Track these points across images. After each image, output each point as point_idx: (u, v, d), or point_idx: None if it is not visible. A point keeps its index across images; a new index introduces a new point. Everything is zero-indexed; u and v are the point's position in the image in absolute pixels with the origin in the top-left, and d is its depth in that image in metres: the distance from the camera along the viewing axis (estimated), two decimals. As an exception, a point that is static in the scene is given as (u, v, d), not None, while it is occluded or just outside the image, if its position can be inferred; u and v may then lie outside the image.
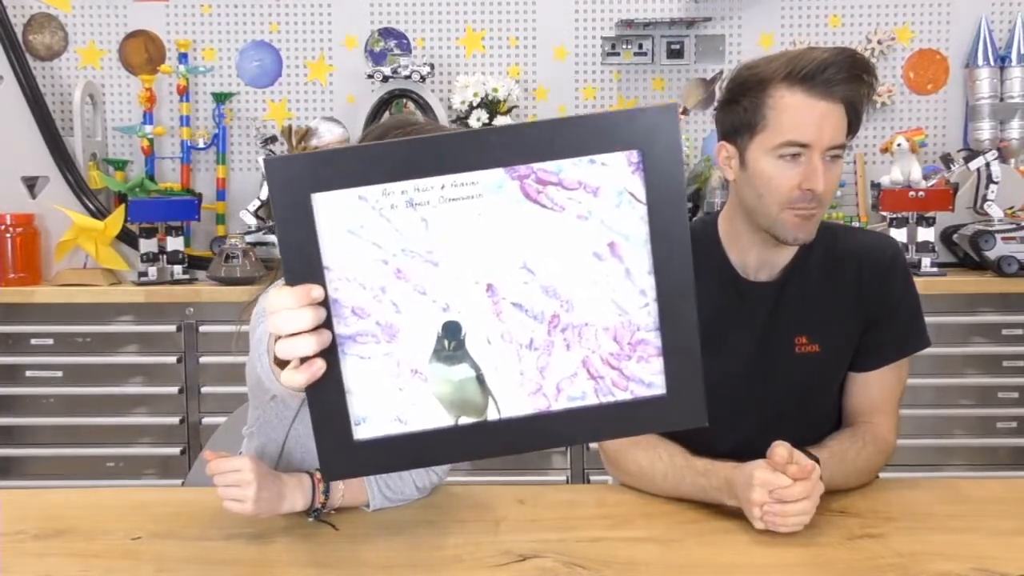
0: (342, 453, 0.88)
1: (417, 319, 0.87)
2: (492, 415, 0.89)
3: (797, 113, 1.46)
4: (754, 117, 1.49)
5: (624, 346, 0.89)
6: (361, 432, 0.88)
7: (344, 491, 1.46)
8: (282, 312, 0.84)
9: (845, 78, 1.46)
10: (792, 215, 1.50)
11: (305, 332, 0.84)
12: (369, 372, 0.88)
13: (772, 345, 1.60)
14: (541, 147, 0.85)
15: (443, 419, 0.89)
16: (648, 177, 0.86)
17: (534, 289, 0.88)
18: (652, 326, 0.89)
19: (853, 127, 1.51)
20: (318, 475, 1.44)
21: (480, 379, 0.89)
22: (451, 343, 0.88)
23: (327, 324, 0.85)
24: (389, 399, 0.88)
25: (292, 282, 0.85)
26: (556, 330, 0.89)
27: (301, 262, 0.85)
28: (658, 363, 0.90)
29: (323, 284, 0.85)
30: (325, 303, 0.85)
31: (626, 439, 1.57)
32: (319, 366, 0.85)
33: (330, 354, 0.86)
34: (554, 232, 0.87)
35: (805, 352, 1.60)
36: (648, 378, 0.90)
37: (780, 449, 1.35)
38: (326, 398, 0.87)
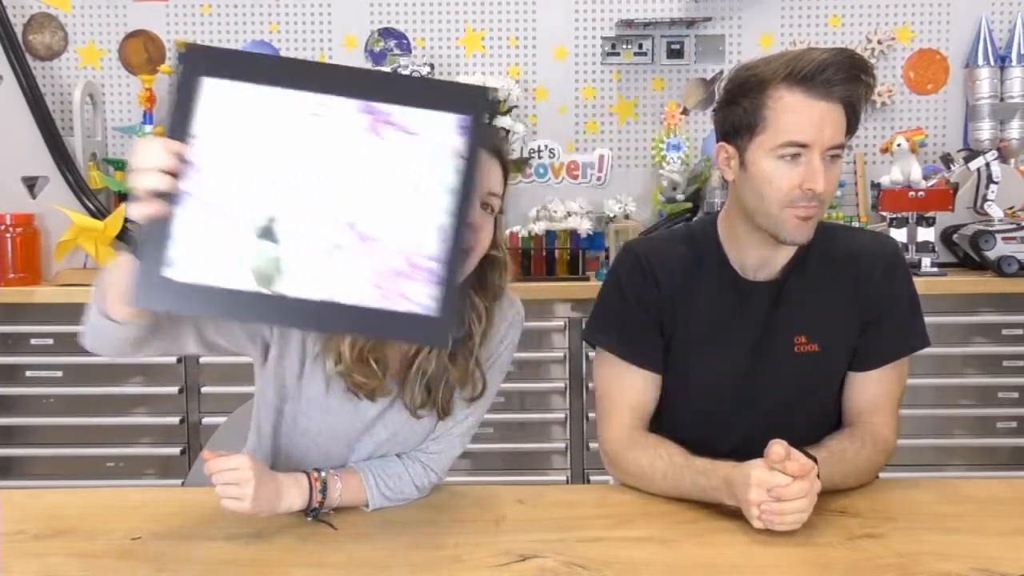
0: (148, 284, 1.04)
1: (250, 200, 1.03)
2: (278, 290, 1.03)
3: (797, 114, 1.46)
4: (754, 118, 1.50)
5: (411, 268, 1.04)
6: (170, 271, 1.03)
7: (342, 490, 1.46)
8: (149, 150, 1.02)
9: (844, 78, 1.46)
10: (792, 215, 1.50)
11: (160, 171, 1.01)
12: (194, 228, 1.03)
13: (772, 344, 1.60)
14: (393, 94, 1.04)
15: (240, 284, 1.03)
16: (469, 140, 1.06)
17: (351, 204, 1.04)
18: (438, 258, 1.05)
19: (852, 127, 1.52)
20: (315, 474, 1.44)
21: (278, 260, 1.03)
22: (269, 227, 1.04)
23: (178, 176, 1.02)
24: (202, 255, 1.03)
25: (168, 134, 1.03)
26: (359, 240, 1.04)
27: (177, 124, 1.04)
28: (436, 290, 1.05)
29: (187, 146, 1.03)
30: (183, 159, 1.02)
31: (626, 441, 1.58)
32: (162, 206, 1.01)
33: (171, 203, 1.02)
34: (383, 163, 1.04)
35: (805, 351, 1.60)
36: (424, 300, 1.05)
37: (777, 447, 1.35)
38: (152, 235, 1.03)
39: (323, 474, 1.45)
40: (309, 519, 1.43)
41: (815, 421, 1.63)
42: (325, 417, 1.51)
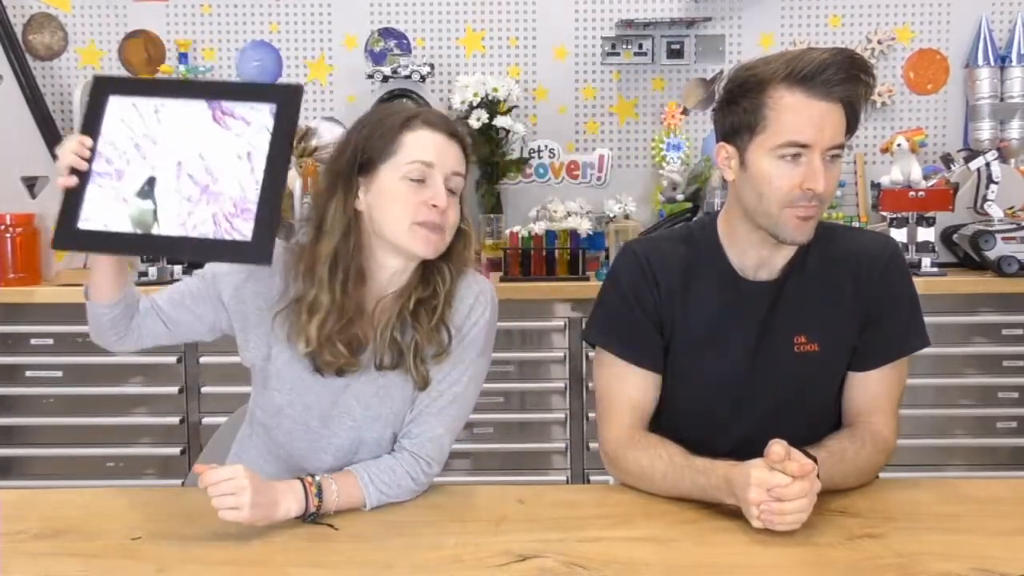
0: (67, 232, 1.47)
1: (136, 171, 1.48)
2: (154, 231, 1.47)
3: (797, 114, 1.47)
4: (754, 118, 1.50)
5: (238, 210, 1.45)
6: (82, 224, 1.47)
7: (338, 491, 1.46)
8: (66, 142, 1.49)
9: (844, 78, 1.47)
10: (792, 215, 1.50)
11: (70, 156, 1.46)
12: (99, 195, 1.48)
13: (771, 344, 1.60)
14: (228, 95, 1.50)
15: (128, 228, 1.47)
16: (277, 119, 1.47)
17: (200, 168, 1.47)
18: (254, 203, 1.45)
19: (851, 127, 1.52)
20: (308, 479, 1.45)
21: (154, 211, 1.47)
22: (147, 188, 1.47)
23: (90, 161, 1.47)
24: (104, 212, 1.47)
25: (79, 132, 1.50)
26: (204, 193, 1.47)
27: (89, 126, 1.50)
28: (251, 224, 1.44)
29: (95, 139, 1.49)
30: (93, 150, 1.48)
31: (626, 440, 1.58)
32: (73, 180, 1.47)
33: (84, 179, 1.47)
34: (222, 141, 1.47)
35: (804, 351, 1.60)
36: (244, 230, 1.45)
37: (777, 447, 1.35)
38: (70, 201, 1.47)
39: (317, 478, 1.46)
40: (308, 524, 1.43)
41: (815, 421, 1.63)
42: (295, 389, 1.58)
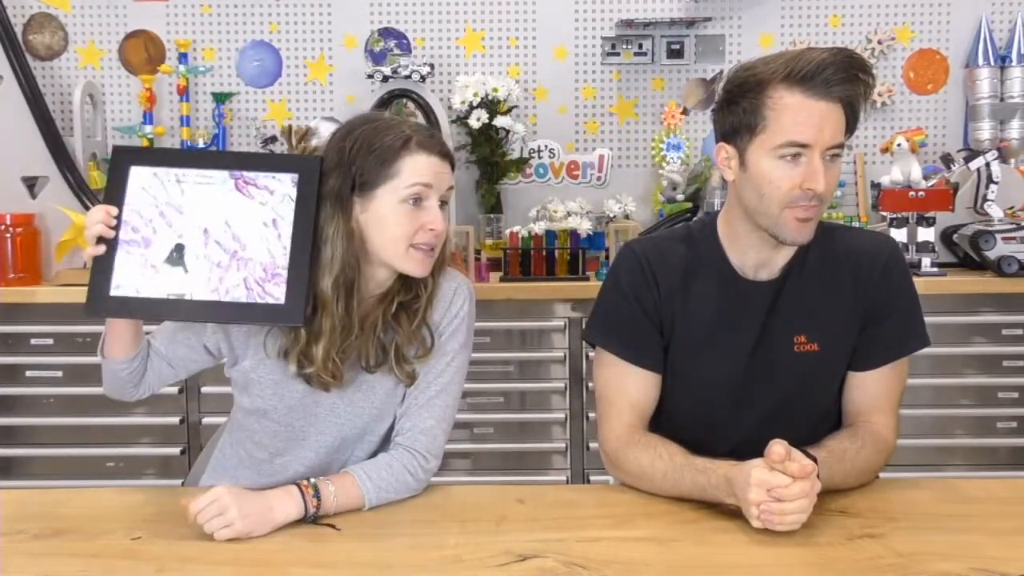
0: (99, 299, 1.51)
1: (163, 239, 1.52)
2: (187, 296, 1.51)
3: (797, 114, 1.47)
4: (753, 118, 1.50)
5: (268, 274, 1.52)
6: (114, 291, 1.51)
7: (336, 492, 1.47)
8: (93, 212, 1.52)
9: (843, 78, 1.47)
10: (792, 216, 1.51)
11: (98, 225, 1.49)
12: (128, 262, 1.51)
13: (771, 344, 1.60)
14: (251, 166, 1.55)
15: (161, 294, 1.51)
16: (300, 187, 1.54)
17: (228, 236, 1.53)
18: (284, 267, 1.51)
19: (851, 126, 1.52)
20: (305, 482, 1.46)
21: (186, 277, 1.51)
22: (176, 255, 1.52)
23: (117, 229, 1.51)
24: (135, 278, 1.51)
25: (105, 202, 1.53)
26: (234, 259, 1.52)
27: (113, 195, 1.53)
28: (283, 287, 1.51)
29: (120, 208, 1.52)
30: (119, 218, 1.51)
31: (626, 440, 1.58)
32: (101, 248, 1.50)
33: (112, 247, 1.51)
34: (247, 209, 1.53)
35: (804, 351, 1.60)
36: (277, 294, 1.51)
37: (777, 447, 1.35)
38: (101, 268, 1.51)
39: (313, 480, 1.47)
40: (309, 524, 1.44)
41: (815, 421, 1.63)
42: (277, 394, 1.59)
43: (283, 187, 1.53)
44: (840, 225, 1.76)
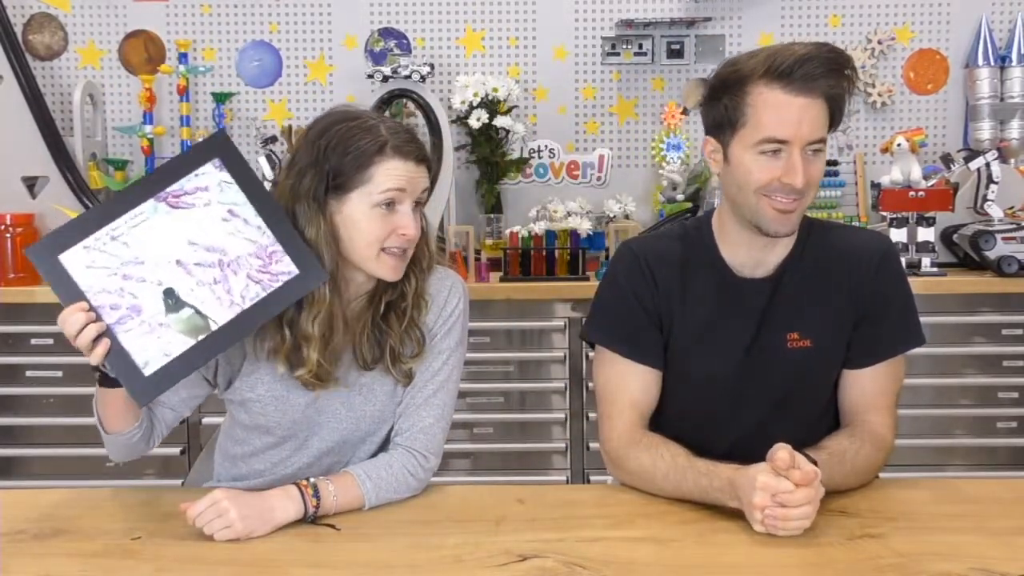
0: (142, 386, 1.42)
1: (148, 296, 1.43)
2: (213, 327, 1.43)
3: (776, 110, 1.48)
4: (735, 114, 1.51)
5: (264, 258, 1.45)
6: (147, 370, 1.42)
7: (335, 491, 1.47)
8: (65, 323, 1.39)
9: (824, 72, 1.47)
10: (769, 206, 1.52)
11: (83, 328, 1.38)
12: (135, 337, 1.42)
13: (765, 341, 1.61)
14: (166, 180, 1.45)
15: (189, 342, 1.43)
16: (229, 168, 1.46)
17: (201, 252, 1.44)
18: (273, 241, 1.45)
19: (835, 120, 1.53)
20: (304, 482, 1.46)
21: (198, 312, 1.43)
22: (172, 300, 1.43)
23: (99, 320, 1.40)
24: (154, 346, 1.42)
25: (66, 305, 1.41)
26: (225, 268, 1.44)
27: (67, 293, 1.41)
28: (286, 258, 1.46)
29: (86, 300, 1.41)
30: (92, 309, 1.40)
31: (628, 440, 1.59)
32: (105, 344, 1.40)
33: (109, 336, 1.41)
34: (196, 219, 1.45)
35: (797, 347, 1.60)
36: (286, 268, 1.45)
37: (782, 453, 1.35)
38: (118, 361, 1.42)
39: (312, 480, 1.47)
40: (309, 524, 1.44)
41: (811, 418, 1.63)
42: (280, 408, 1.58)
43: (213, 177, 1.46)
44: (836, 223, 1.77)
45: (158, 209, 1.44)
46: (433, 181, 1.74)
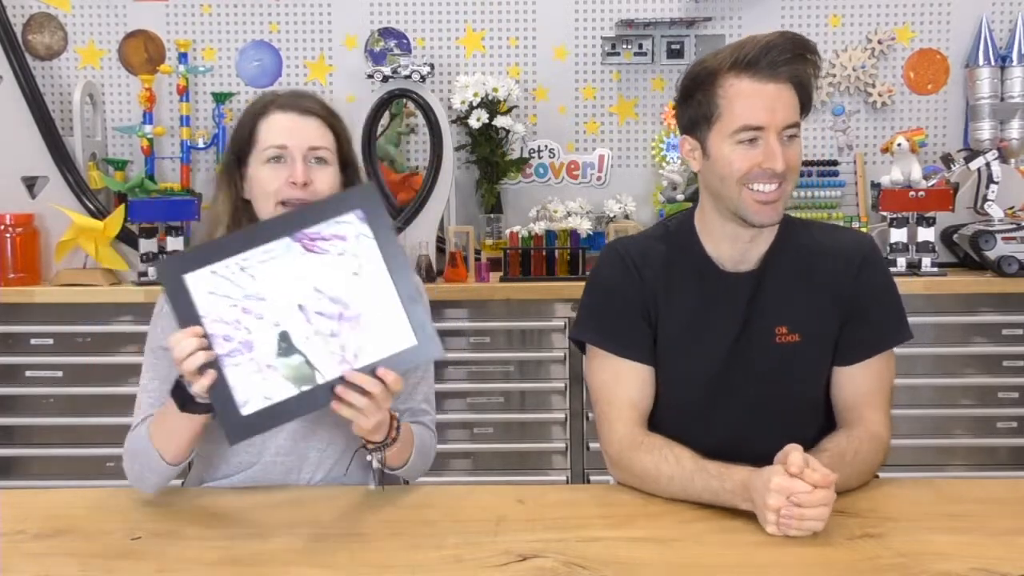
0: (237, 425, 1.39)
1: (262, 335, 1.38)
2: (319, 380, 1.38)
3: (748, 99, 1.52)
4: (709, 109, 1.56)
5: (385, 320, 1.40)
6: (245, 410, 1.38)
7: (403, 431, 1.56)
8: (176, 345, 1.37)
9: (788, 59, 1.52)
10: (751, 198, 1.55)
11: (194, 353, 1.35)
12: (241, 373, 1.38)
13: (752, 334, 1.62)
14: (307, 221, 1.40)
15: (292, 390, 1.38)
16: (370, 222, 1.41)
17: (325, 301, 1.39)
18: (398, 305, 1.40)
19: (805, 106, 1.58)
20: (395, 413, 1.53)
21: (308, 362, 1.38)
22: (285, 344, 1.38)
23: (210, 348, 1.37)
24: (257, 386, 1.38)
25: (180, 326, 1.38)
26: (344, 321, 1.39)
27: (186, 315, 1.38)
28: (408, 326, 1.41)
29: (201, 325, 1.37)
30: (206, 336, 1.37)
31: (629, 442, 1.58)
32: (211, 376, 1.36)
33: (216, 367, 1.37)
34: (327, 265, 1.39)
35: (785, 342, 1.62)
36: (405, 336, 1.40)
37: (795, 455, 1.36)
38: (220, 394, 1.38)
39: (398, 415, 1.56)
40: (370, 459, 1.54)
41: (801, 413, 1.64)
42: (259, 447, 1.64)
43: (352, 228, 1.40)
44: (820, 223, 1.78)
45: (292, 249, 1.39)
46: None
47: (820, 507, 1.33)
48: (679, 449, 1.52)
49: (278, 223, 1.43)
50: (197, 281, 1.37)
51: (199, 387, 1.37)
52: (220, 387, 1.37)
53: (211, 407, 1.41)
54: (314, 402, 1.39)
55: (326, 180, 1.62)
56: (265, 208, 1.60)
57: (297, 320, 1.38)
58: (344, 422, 1.47)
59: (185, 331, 1.37)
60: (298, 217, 1.43)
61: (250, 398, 1.37)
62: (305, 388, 1.38)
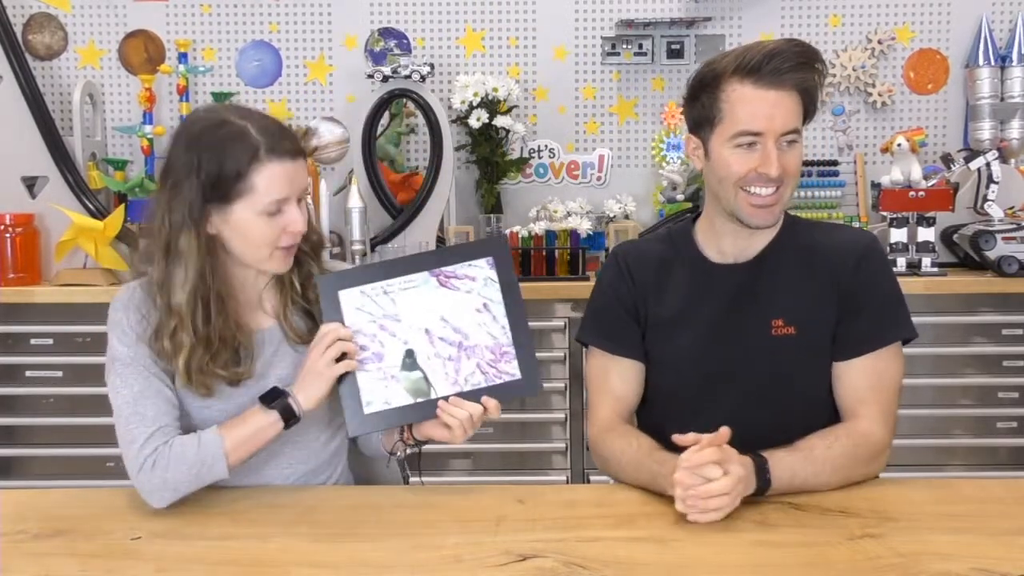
0: (359, 420, 1.60)
1: (392, 349, 1.61)
2: (432, 396, 1.60)
3: (748, 104, 1.55)
4: (712, 111, 1.59)
5: (497, 355, 1.62)
6: (367, 409, 1.60)
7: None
8: (327, 334, 1.57)
9: (792, 66, 1.55)
10: (747, 201, 1.59)
11: (337, 341, 1.56)
12: (370, 379, 1.60)
13: (748, 326, 1.64)
14: (446, 261, 1.64)
15: (408, 400, 1.60)
16: (498, 269, 1.63)
17: (448, 330, 1.62)
18: (509, 344, 1.62)
19: (809, 112, 1.61)
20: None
21: (425, 378, 1.60)
22: (409, 360, 1.60)
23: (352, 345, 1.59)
24: (381, 392, 1.60)
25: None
26: (461, 350, 1.61)
27: (333, 321, 1.60)
28: (515, 363, 1.62)
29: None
30: (351, 340, 1.59)
31: (605, 427, 1.69)
32: (348, 365, 1.57)
33: (351, 371, 1.59)
34: (456, 301, 1.62)
35: (781, 334, 1.63)
36: (510, 371, 1.61)
37: (691, 434, 1.44)
38: (349, 390, 1.60)
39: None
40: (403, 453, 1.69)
41: (801, 408, 1.64)
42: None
43: (482, 272, 1.63)
44: (823, 223, 1.81)
45: (428, 282, 1.62)
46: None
47: (719, 481, 1.37)
48: (644, 438, 1.61)
49: (422, 259, 1.69)
50: (348, 297, 1.61)
51: (334, 370, 1.55)
52: (351, 384, 1.59)
53: (298, 419, 1.57)
54: (423, 413, 1.60)
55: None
56: (255, 255, 1.57)
57: (423, 342, 1.60)
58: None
59: (340, 331, 1.56)
60: (438, 256, 1.73)
61: (373, 400, 1.59)
62: (419, 400, 1.59)
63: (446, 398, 1.57)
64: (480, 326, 1.61)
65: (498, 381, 1.60)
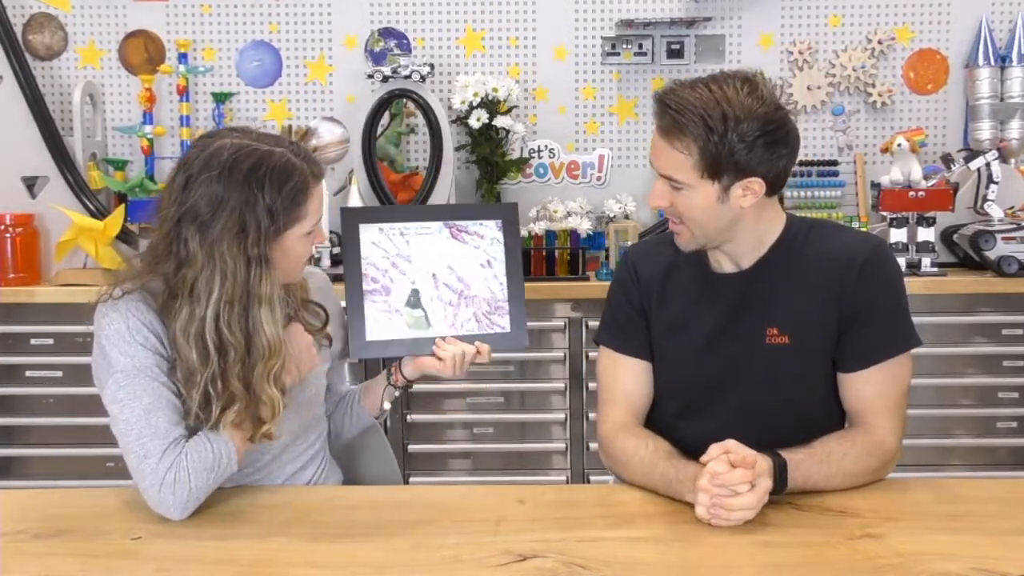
0: (361, 344, 1.75)
1: (399, 286, 1.77)
2: (429, 334, 1.76)
3: (656, 141, 1.61)
4: None
5: (492, 308, 1.80)
6: (370, 336, 1.75)
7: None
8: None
9: (657, 112, 1.60)
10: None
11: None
12: (376, 309, 1.76)
13: (743, 334, 1.64)
14: (461, 216, 1.82)
15: (408, 333, 1.76)
16: (505, 231, 1.83)
17: (453, 278, 1.79)
18: (504, 300, 1.81)
19: (709, 169, 1.55)
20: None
21: (426, 316, 1.77)
22: (414, 298, 1.76)
23: (360, 283, 1.75)
24: (384, 323, 1.76)
25: (346, 262, 1.76)
26: (462, 298, 1.79)
27: (349, 252, 1.76)
28: (507, 317, 1.80)
29: (359, 265, 1.76)
30: (360, 271, 1.75)
31: (618, 426, 1.67)
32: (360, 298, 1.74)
33: (362, 298, 1.74)
34: (464, 253, 1.80)
35: (776, 343, 1.62)
36: (502, 323, 1.80)
37: (713, 449, 1.42)
38: (355, 316, 1.74)
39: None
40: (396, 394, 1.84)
41: (800, 416, 1.63)
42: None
43: (490, 232, 1.81)
44: (830, 224, 1.76)
45: (442, 232, 1.79)
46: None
47: (745, 496, 1.37)
48: (659, 441, 1.59)
49: (440, 210, 1.90)
50: (367, 232, 1.76)
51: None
52: (356, 312, 1.74)
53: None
54: (419, 348, 1.76)
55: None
56: (296, 272, 1.63)
57: (428, 284, 1.77)
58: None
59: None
60: (455, 211, 1.91)
61: (374, 329, 1.74)
62: (417, 335, 1.75)
63: (443, 338, 1.74)
64: (482, 280, 1.79)
65: (490, 331, 1.78)
